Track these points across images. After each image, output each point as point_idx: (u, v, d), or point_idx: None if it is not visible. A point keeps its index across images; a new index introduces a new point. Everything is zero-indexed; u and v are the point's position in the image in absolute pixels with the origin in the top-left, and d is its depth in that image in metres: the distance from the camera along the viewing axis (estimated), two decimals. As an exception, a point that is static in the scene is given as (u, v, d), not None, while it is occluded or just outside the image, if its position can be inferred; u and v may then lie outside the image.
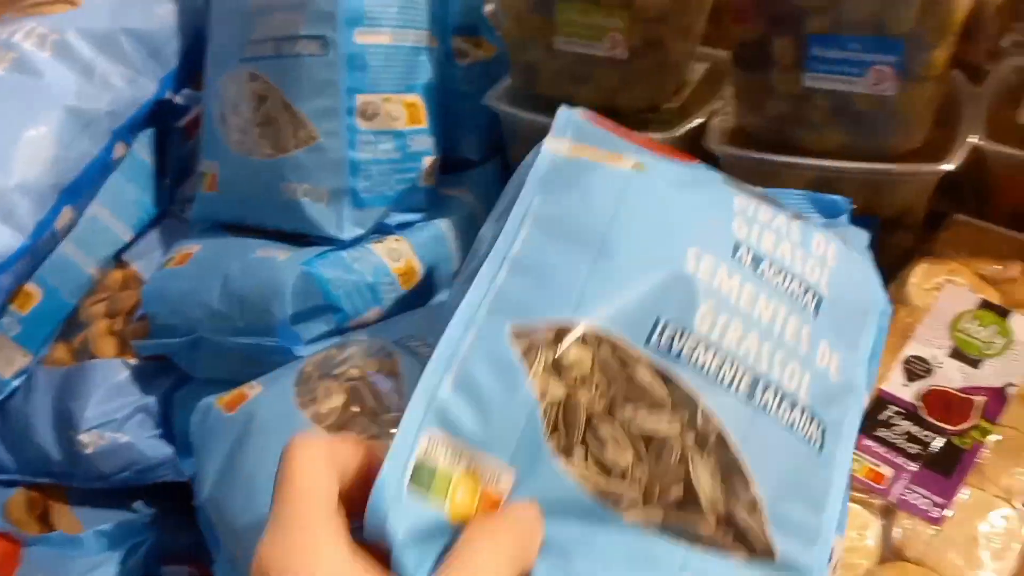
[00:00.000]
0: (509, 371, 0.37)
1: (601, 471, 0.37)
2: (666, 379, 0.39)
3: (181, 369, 0.82)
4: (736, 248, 0.43)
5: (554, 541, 0.36)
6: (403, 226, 0.77)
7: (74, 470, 0.83)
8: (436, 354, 0.37)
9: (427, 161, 0.75)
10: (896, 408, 0.60)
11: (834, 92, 0.63)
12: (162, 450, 0.81)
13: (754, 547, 0.39)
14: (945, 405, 0.60)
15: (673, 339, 0.39)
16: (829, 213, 0.54)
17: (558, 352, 0.38)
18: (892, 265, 0.69)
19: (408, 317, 0.70)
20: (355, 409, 0.55)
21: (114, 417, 0.80)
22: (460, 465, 0.36)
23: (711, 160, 0.72)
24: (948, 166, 0.63)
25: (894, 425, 0.59)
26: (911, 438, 0.58)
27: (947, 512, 0.55)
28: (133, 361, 0.83)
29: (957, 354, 0.62)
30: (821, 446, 0.42)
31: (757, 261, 0.43)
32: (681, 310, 0.40)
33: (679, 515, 0.38)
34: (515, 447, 0.36)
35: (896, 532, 0.55)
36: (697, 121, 0.72)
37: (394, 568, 0.34)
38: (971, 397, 0.60)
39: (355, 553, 0.33)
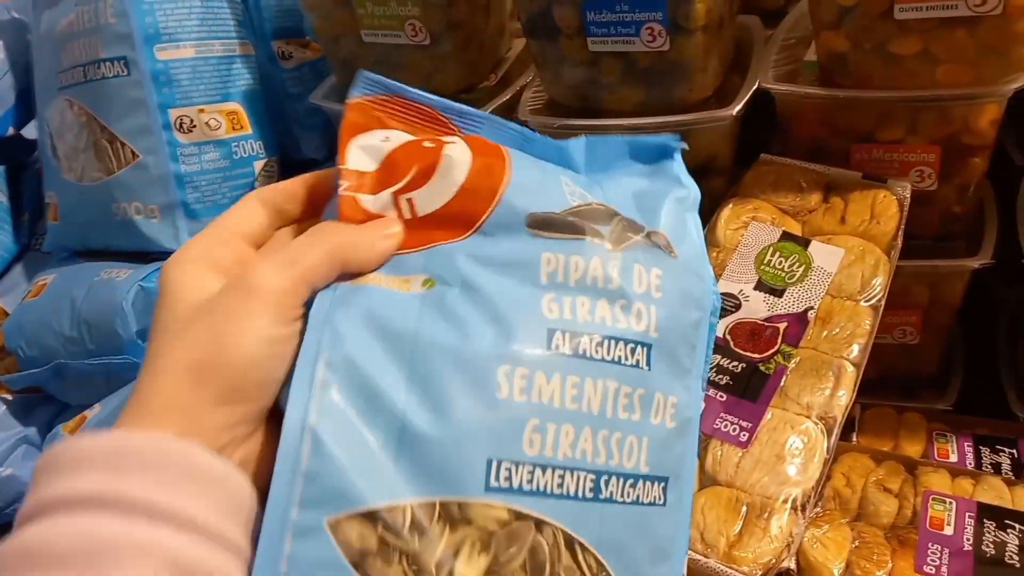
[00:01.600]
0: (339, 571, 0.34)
1: None
2: (518, 515, 0.37)
3: (57, 399, 0.82)
4: (551, 337, 0.39)
5: None
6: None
7: (-36, 510, 0.82)
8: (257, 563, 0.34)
9: (258, 165, 0.75)
10: (709, 344, 0.62)
11: (617, 53, 0.64)
12: (45, 479, 0.80)
13: None
14: (750, 335, 0.62)
15: (511, 473, 0.37)
16: (657, 157, 0.50)
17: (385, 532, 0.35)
18: (706, 210, 0.71)
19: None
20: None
21: (-7, 453, 0.79)
22: None
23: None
24: (732, 111, 0.65)
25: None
26: (720, 369, 0.60)
27: (754, 435, 0.57)
28: (9, 396, 0.82)
29: (761, 286, 0.64)
30: (664, 500, 0.42)
31: (576, 342, 0.40)
32: (507, 442, 0.37)
33: None
34: None
35: (708, 460, 0.57)
36: (505, 97, 0.73)
37: None
38: (775, 325, 0.62)
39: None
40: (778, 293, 0.63)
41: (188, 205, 0.71)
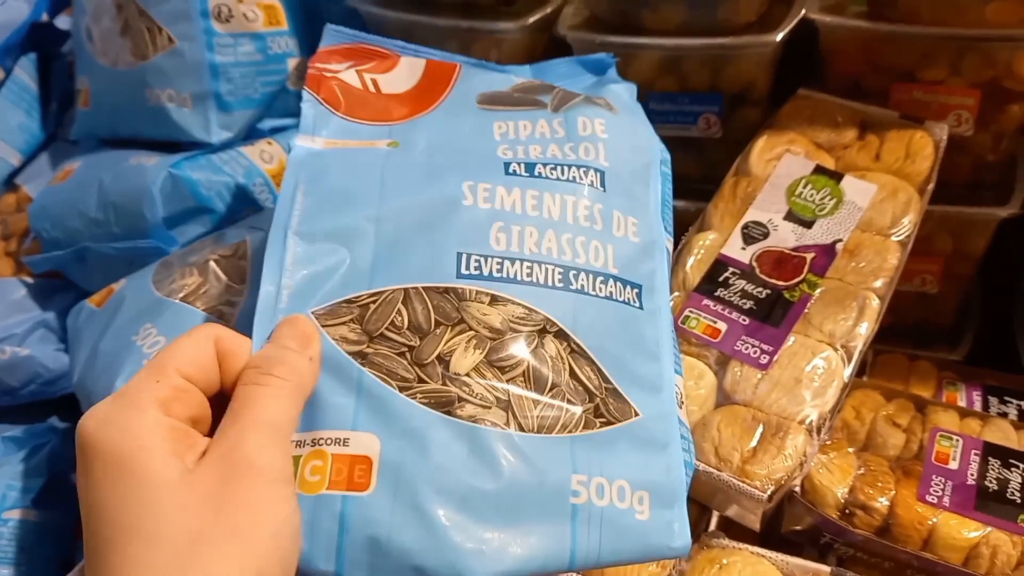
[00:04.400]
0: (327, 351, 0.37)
1: (462, 400, 0.38)
2: (493, 299, 0.40)
3: (78, 286, 0.81)
4: (507, 167, 0.44)
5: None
6: (276, 130, 0.75)
7: (-18, 386, 0.81)
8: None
9: (292, 63, 0.72)
10: (733, 269, 0.60)
11: (666, -32, 0.62)
12: (65, 362, 0.79)
13: (618, 416, 0.40)
14: (777, 262, 0.60)
15: (480, 264, 0.41)
16: (598, 70, 0.54)
17: (373, 319, 0.39)
18: (740, 140, 0.69)
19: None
20: (206, 287, 0.54)
21: (14, 332, 0.78)
22: (305, 448, 0.36)
23: (565, 46, 0.70)
24: (775, 37, 0.62)
25: (731, 285, 0.60)
26: (744, 294, 0.59)
27: (774, 358, 0.56)
28: (29, 280, 0.81)
29: (791, 216, 0.62)
30: (640, 304, 0.44)
31: (531, 167, 0.44)
32: (473, 239, 0.41)
33: (554, 410, 0.39)
34: (354, 411, 0.37)
35: (727, 379, 0.56)
36: (547, 11, 0.70)
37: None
38: (802, 255, 0.60)
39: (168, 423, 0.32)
40: (807, 224, 0.62)
41: (221, 96, 0.69)
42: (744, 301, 0.58)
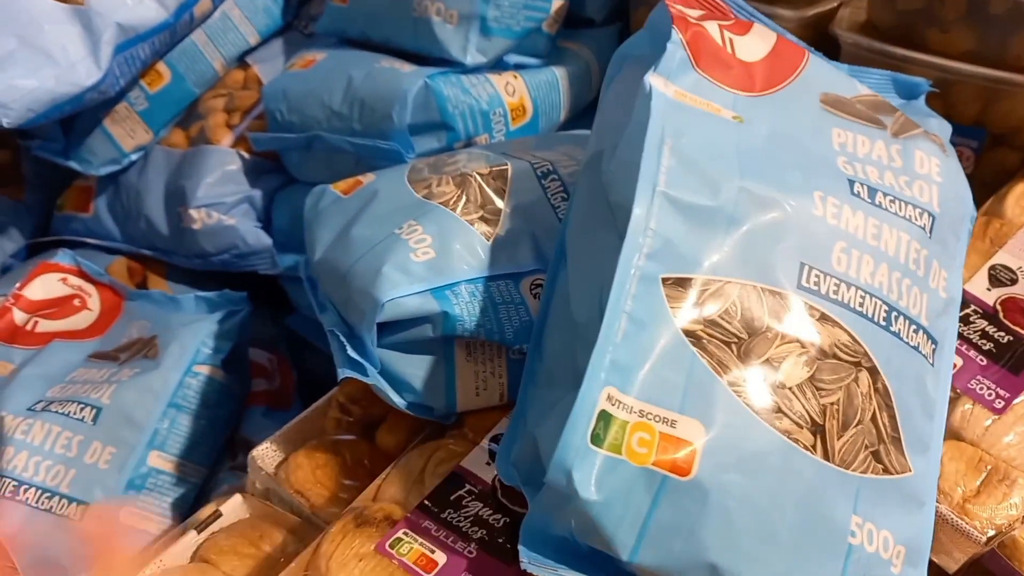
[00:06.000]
0: (666, 323, 0.37)
1: (780, 411, 0.37)
2: (823, 317, 0.39)
3: (287, 172, 0.82)
4: (851, 185, 0.43)
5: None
6: (520, 67, 0.75)
7: (177, 246, 0.84)
8: (608, 312, 0.37)
9: (556, 4, 0.72)
10: (975, 307, 0.58)
11: (972, -11, 0.60)
12: (262, 240, 0.82)
13: (896, 468, 0.40)
14: (1023, 312, 0.58)
15: (819, 280, 0.40)
16: (907, 94, 0.53)
17: (708, 303, 0.38)
18: (988, 183, 0.66)
19: (522, 139, 0.69)
20: (463, 199, 0.55)
21: (223, 200, 0.81)
22: (632, 415, 0.36)
23: (833, 46, 0.69)
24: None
25: (972, 323, 0.57)
26: (985, 335, 0.57)
27: (1010, 405, 0.54)
28: (246, 155, 0.83)
29: (1044, 269, 0.60)
30: (933, 362, 0.44)
31: (872, 193, 0.43)
32: (818, 253, 0.40)
33: (852, 447, 0.39)
34: (683, 394, 0.36)
35: (956, 415, 0.54)
36: (828, 6, 0.68)
37: (596, 520, 0.35)
38: (1051, 309, 0.58)
39: None
40: (1060, 281, 0.59)
41: (486, 20, 0.69)
42: (983, 342, 0.56)
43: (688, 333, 0.37)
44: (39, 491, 0.60)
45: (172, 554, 0.49)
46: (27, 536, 0.57)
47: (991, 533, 0.49)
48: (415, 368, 0.51)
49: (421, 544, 0.43)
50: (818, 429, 0.38)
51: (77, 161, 0.85)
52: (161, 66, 0.83)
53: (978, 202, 0.65)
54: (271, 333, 0.86)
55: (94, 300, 0.74)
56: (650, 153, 0.39)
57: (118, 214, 0.88)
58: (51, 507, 0.59)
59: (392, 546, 0.43)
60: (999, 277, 0.60)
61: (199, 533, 0.50)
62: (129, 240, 0.88)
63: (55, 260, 0.77)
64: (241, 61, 0.88)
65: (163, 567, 0.48)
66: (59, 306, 0.73)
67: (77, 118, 0.83)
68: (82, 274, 0.77)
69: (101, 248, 0.88)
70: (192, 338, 0.68)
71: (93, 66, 0.71)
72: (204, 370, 0.68)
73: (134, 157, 0.85)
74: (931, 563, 0.51)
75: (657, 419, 0.36)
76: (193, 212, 0.79)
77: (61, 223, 0.91)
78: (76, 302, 0.74)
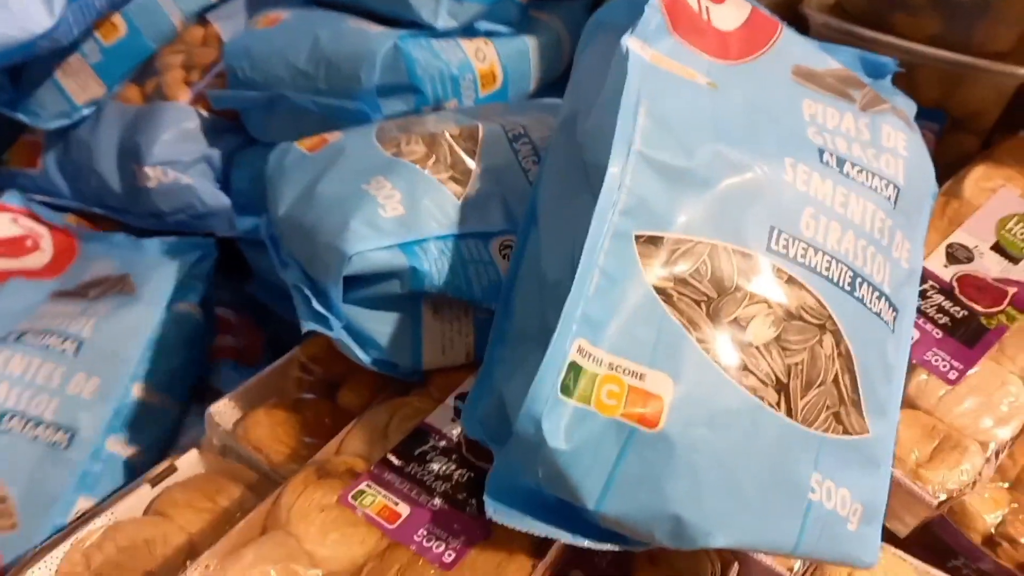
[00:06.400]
0: (638, 279, 0.37)
1: (747, 369, 0.38)
2: (790, 279, 0.40)
3: (246, 133, 0.80)
4: (821, 154, 0.44)
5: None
6: (492, 34, 0.74)
7: (131, 204, 0.81)
8: (581, 267, 0.37)
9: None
10: (932, 283, 0.59)
11: (940, -25, 0.61)
12: (221, 200, 0.79)
13: (855, 429, 0.40)
14: (978, 288, 0.59)
15: (788, 243, 0.40)
16: (875, 73, 0.54)
17: (679, 262, 0.38)
18: (948, 164, 0.67)
19: (492, 104, 0.68)
20: (433, 158, 0.54)
21: (180, 159, 0.78)
22: (602, 368, 0.36)
23: (803, 26, 0.69)
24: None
25: (929, 297, 0.59)
26: (941, 310, 0.58)
27: (963, 376, 0.55)
28: (204, 113, 0.80)
29: (998, 248, 0.61)
30: (893, 328, 0.44)
31: (841, 163, 0.44)
32: (788, 217, 0.41)
33: (815, 407, 0.39)
34: (653, 348, 0.36)
35: (911, 385, 0.55)
36: (800, -15, 0.69)
37: (564, 470, 0.35)
38: (1004, 287, 0.59)
39: None
40: (1014, 260, 0.61)
41: (458, -18, 0.68)
42: (940, 316, 0.58)
43: (659, 290, 0.37)
44: (24, 420, 0.59)
45: (125, 507, 0.47)
46: (17, 464, 0.56)
47: (942, 497, 0.50)
48: (381, 324, 0.50)
49: (385, 496, 0.42)
50: (782, 388, 0.39)
51: (25, 113, 0.82)
52: (117, 18, 0.80)
53: (938, 183, 0.67)
54: (232, 298, 0.84)
55: (47, 241, 0.72)
56: (626, 113, 0.40)
57: (68, 170, 0.85)
58: (37, 435, 0.58)
59: (355, 498, 0.42)
60: (956, 255, 0.61)
61: (153, 487, 0.49)
62: (79, 198, 0.84)
63: (3, 201, 0.74)
64: (201, 18, 0.85)
65: (115, 519, 0.46)
66: (11, 245, 0.71)
67: (27, 68, 0.80)
68: (32, 215, 0.74)
69: (50, 205, 0.85)
70: (169, 276, 0.68)
71: (45, 12, 0.69)
72: (184, 307, 0.68)
73: (86, 112, 0.82)
74: (883, 529, 0.53)
75: (626, 372, 0.36)
76: (148, 170, 0.77)
77: (7, 178, 0.87)
78: (28, 243, 0.72)
